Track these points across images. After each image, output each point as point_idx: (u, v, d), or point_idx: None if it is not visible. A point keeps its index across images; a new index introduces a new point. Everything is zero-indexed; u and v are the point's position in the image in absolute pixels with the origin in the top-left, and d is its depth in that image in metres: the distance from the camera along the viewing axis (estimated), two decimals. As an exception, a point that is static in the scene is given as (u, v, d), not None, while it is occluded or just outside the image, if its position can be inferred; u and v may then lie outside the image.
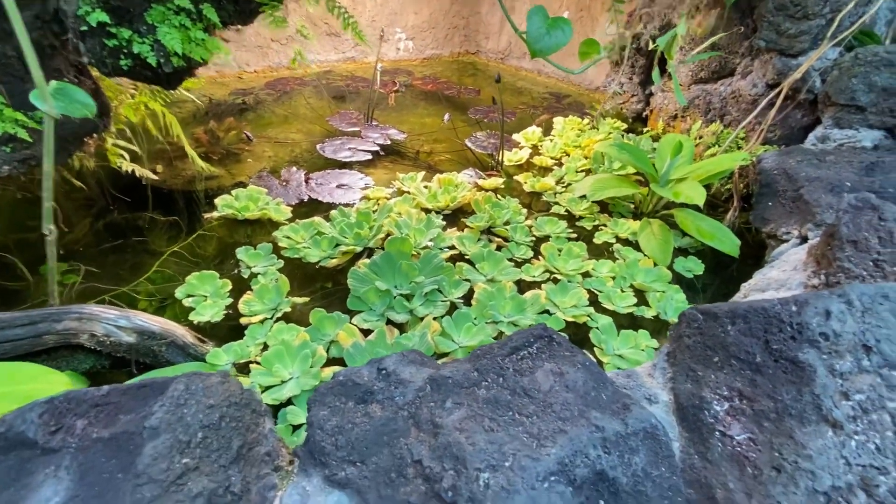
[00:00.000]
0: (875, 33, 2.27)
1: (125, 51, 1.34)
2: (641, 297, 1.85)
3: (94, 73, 1.59)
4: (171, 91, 1.97)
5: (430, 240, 1.99)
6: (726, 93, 2.62)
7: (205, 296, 1.66)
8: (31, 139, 1.44)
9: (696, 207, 1.98)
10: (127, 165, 2.01)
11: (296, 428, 1.27)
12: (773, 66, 2.32)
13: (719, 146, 2.54)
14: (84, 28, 1.28)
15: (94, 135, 1.70)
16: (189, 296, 1.66)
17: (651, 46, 2.31)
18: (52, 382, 0.96)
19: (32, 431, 0.74)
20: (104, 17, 1.26)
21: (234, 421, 0.83)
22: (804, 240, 1.84)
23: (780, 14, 2.20)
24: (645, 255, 2.01)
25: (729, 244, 1.98)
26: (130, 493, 0.69)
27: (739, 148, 2.46)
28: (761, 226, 1.94)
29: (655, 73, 2.18)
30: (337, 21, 2.09)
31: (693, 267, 2.02)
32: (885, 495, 0.75)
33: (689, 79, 2.80)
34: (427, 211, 2.22)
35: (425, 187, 2.36)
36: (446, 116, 3.35)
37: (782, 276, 1.63)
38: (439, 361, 1.48)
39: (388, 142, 2.98)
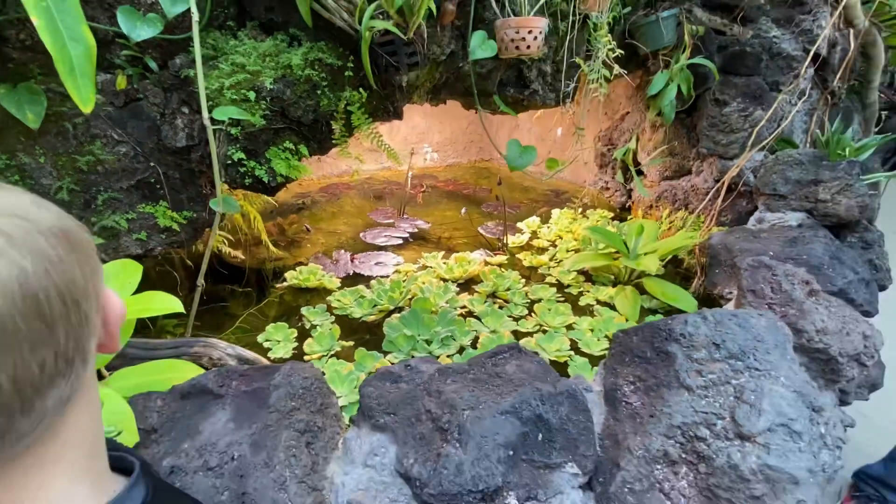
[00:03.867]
0: (793, 140, 2.91)
1: (249, 174, 2.10)
2: (615, 344, 2.31)
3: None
4: (268, 197, 2.76)
5: (447, 301, 2.55)
6: (687, 186, 3.24)
7: (279, 340, 2.24)
8: (179, 230, 2.18)
9: (657, 274, 2.50)
10: (226, 249, 2.74)
11: (345, 426, 1.75)
12: (716, 167, 2.95)
13: (685, 229, 3.10)
14: (228, 162, 2.05)
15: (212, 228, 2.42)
16: (267, 340, 2.25)
17: (615, 156, 3.02)
18: (197, 371, 1.52)
19: (210, 385, 1.30)
20: (241, 156, 2.03)
21: (318, 389, 1.36)
22: (741, 297, 2.31)
23: (713, 129, 2.88)
24: (619, 313, 2.49)
25: (688, 303, 2.46)
26: (265, 417, 1.22)
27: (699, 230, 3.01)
28: (712, 288, 2.43)
29: (619, 175, 2.85)
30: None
31: (660, 322, 2.47)
32: (719, 430, 1.20)
33: (659, 176, 3.46)
34: (445, 280, 2.81)
35: (444, 263, 2.98)
36: (463, 210, 4.08)
37: (718, 322, 2.09)
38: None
39: (416, 230, 3.69)
